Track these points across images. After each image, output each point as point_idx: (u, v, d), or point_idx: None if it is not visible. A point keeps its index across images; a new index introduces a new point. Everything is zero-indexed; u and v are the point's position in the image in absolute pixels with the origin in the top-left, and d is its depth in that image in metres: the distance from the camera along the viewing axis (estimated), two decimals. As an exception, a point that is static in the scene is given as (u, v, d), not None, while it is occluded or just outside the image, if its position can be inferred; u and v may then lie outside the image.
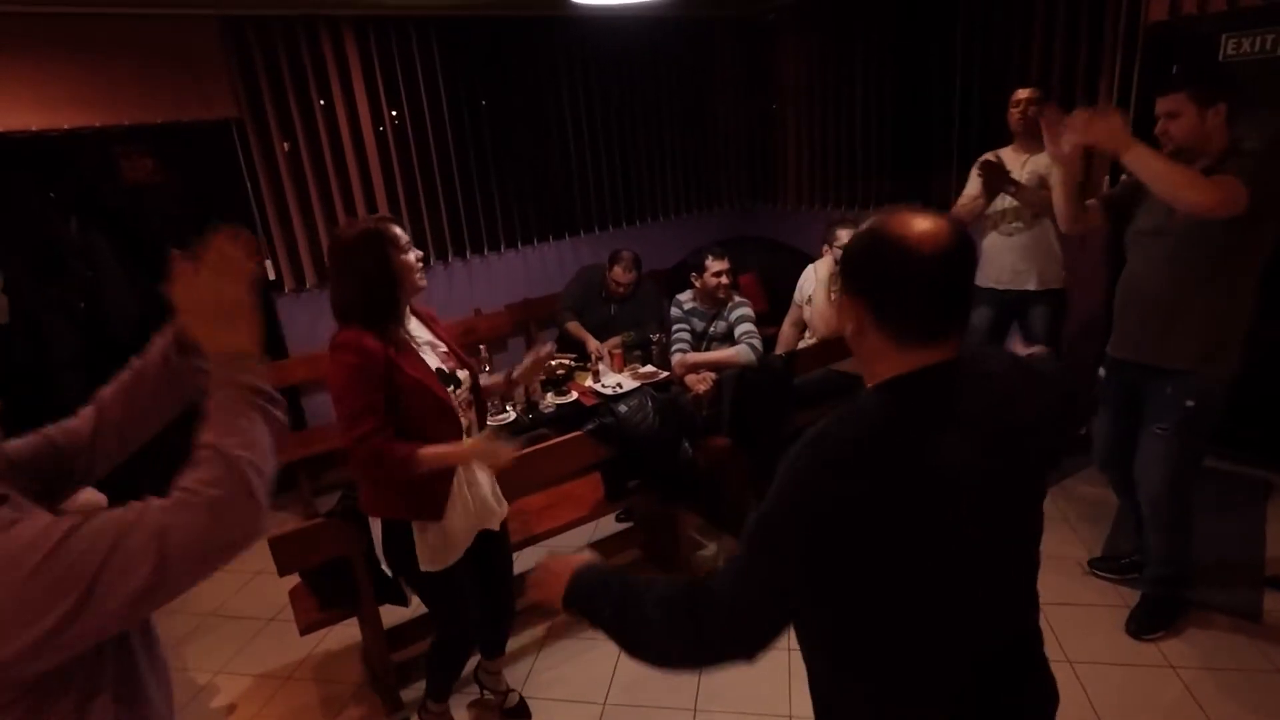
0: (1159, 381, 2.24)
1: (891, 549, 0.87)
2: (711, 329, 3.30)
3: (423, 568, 1.93)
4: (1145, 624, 2.46)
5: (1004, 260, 3.19)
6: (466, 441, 1.93)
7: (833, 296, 3.30)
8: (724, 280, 3.22)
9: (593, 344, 3.64)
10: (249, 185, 3.71)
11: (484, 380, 2.16)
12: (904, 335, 0.92)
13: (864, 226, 0.97)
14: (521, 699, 2.41)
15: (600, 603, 1.07)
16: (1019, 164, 3.12)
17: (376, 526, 1.95)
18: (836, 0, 4.49)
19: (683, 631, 0.98)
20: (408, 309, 1.93)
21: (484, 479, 2.08)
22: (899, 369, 0.93)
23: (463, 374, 1.98)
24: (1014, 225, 3.14)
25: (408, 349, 1.85)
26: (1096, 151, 2.19)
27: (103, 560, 0.80)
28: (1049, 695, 1.06)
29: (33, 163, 3.20)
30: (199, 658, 2.78)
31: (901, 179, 4.46)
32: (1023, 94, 3.10)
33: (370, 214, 1.88)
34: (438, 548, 1.93)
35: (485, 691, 2.44)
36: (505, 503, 2.16)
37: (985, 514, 0.92)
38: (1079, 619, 2.56)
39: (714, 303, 3.29)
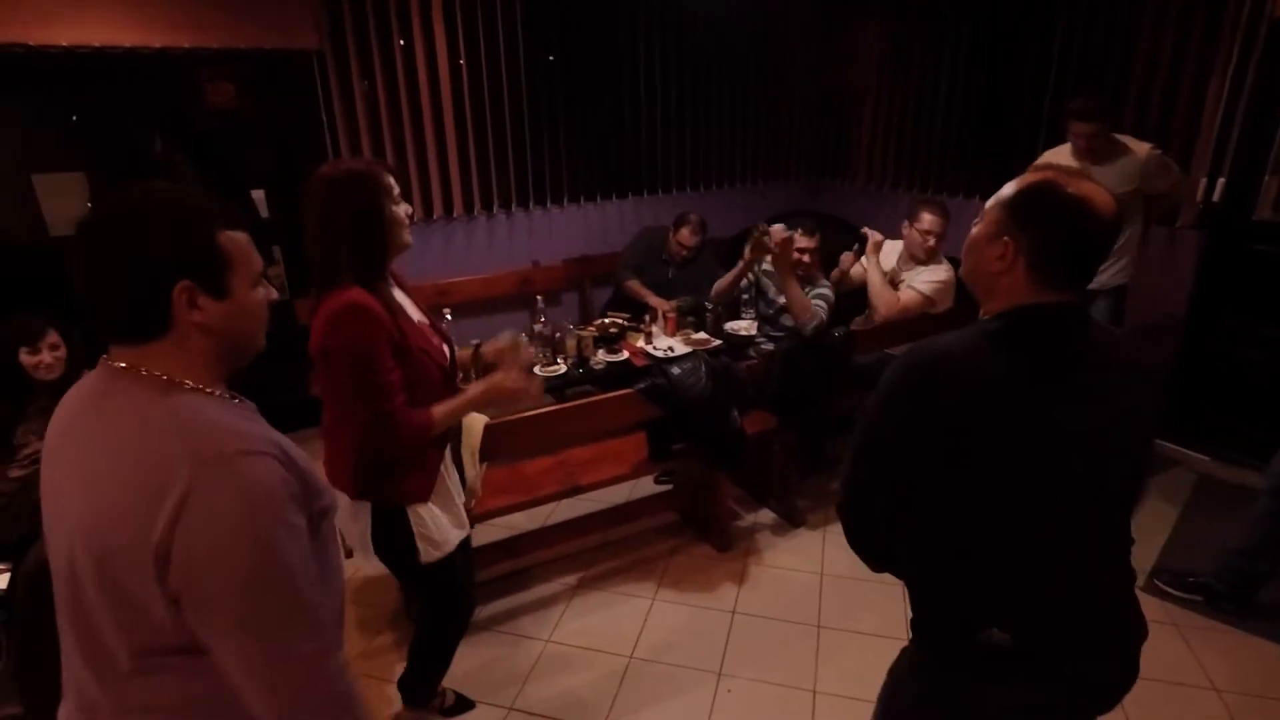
0: None
1: (989, 440, 0.99)
2: (782, 299, 3.24)
3: (423, 559, 1.76)
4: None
5: None
6: (477, 384, 1.78)
7: (901, 285, 3.23)
8: (805, 259, 3.17)
9: (654, 301, 3.64)
10: (324, 119, 3.75)
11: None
12: (1047, 278, 1.02)
13: (1044, 178, 1.02)
14: (458, 696, 2.26)
15: None
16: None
17: (365, 514, 1.73)
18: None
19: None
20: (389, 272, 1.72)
21: (470, 467, 2.04)
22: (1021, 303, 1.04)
23: (444, 346, 1.82)
24: None
25: (403, 314, 1.67)
26: None
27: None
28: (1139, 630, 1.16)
29: (123, 79, 3.28)
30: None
31: (981, 169, 4.29)
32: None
33: (372, 158, 1.61)
34: (435, 535, 1.77)
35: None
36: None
37: (1072, 440, 1.03)
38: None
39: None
